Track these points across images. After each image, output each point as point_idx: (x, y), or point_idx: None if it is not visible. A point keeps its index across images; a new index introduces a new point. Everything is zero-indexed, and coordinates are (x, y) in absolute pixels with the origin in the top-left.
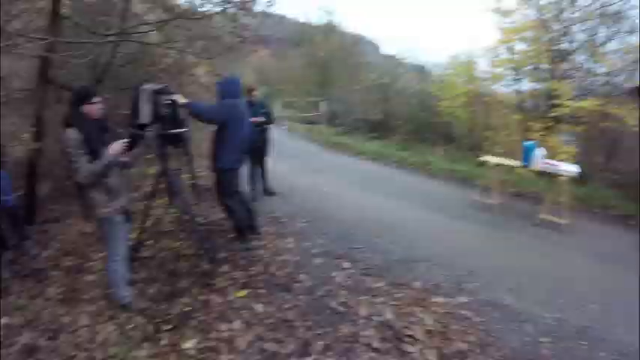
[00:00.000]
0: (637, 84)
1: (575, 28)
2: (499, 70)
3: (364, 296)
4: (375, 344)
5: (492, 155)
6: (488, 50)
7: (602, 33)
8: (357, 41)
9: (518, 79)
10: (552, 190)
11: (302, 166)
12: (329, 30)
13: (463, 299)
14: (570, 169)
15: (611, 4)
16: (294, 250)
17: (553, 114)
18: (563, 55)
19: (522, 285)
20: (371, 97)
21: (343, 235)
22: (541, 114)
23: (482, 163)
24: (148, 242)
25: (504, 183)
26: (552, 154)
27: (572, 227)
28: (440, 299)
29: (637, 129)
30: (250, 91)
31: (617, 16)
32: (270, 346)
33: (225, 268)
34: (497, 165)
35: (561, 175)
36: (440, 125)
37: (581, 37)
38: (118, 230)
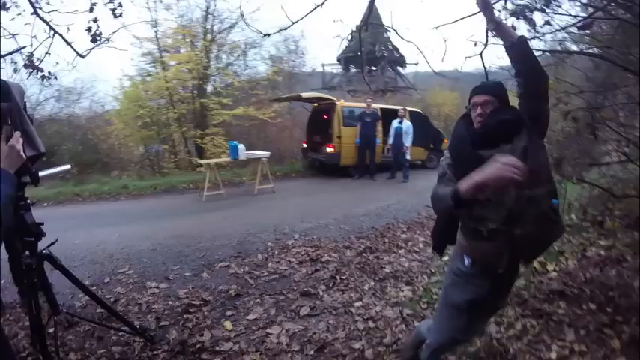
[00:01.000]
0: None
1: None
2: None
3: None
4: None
5: (208, 158)
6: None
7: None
8: None
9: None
10: (255, 170)
11: None
12: None
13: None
14: (263, 153)
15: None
16: None
17: (214, 122)
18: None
19: (304, 216)
20: None
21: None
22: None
23: (201, 165)
24: None
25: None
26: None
27: (278, 188)
28: (296, 238)
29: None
30: None
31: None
32: None
33: None
34: (216, 164)
35: (260, 158)
36: (107, 151)
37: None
38: None
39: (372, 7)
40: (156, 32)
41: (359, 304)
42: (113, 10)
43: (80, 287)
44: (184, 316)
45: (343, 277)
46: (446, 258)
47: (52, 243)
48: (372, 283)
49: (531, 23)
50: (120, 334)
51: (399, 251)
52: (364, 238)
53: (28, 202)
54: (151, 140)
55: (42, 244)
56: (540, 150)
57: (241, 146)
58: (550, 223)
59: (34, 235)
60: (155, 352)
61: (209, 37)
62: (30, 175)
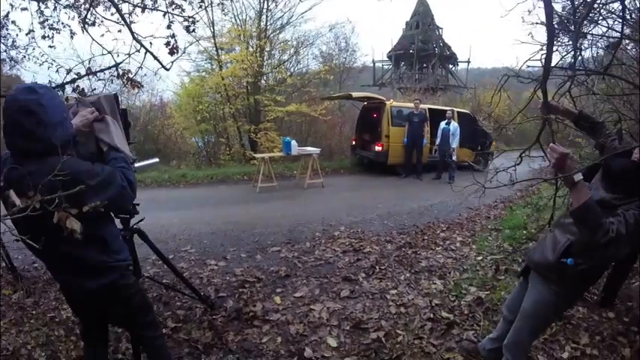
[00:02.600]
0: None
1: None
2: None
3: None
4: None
5: (261, 152)
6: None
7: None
8: None
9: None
10: (306, 165)
11: None
12: None
13: (343, 228)
14: (314, 149)
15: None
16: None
17: (268, 117)
18: (259, 75)
19: (351, 210)
20: None
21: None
22: (252, 120)
23: (254, 158)
24: None
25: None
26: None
27: (327, 183)
28: (342, 230)
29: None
30: None
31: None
32: None
33: None
34: (269, 158)
35: (311, 154)
36: (165, 142)
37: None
38: None
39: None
40: (212, 32)
41: (394, 291)
42: (187, 27)
43: (161, 257)
44: (240, 289)
45: (382, 268)
46: (480, 258)
47: (140, 220)
48: (408, 275)
49: (572, 37)
50: (183, 300)
51: (437, 248)
52: (405, 234)
53: None
54: (207, 133)
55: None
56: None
57: (294, 142)
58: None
59: (128, 213)
60: (214, 317)
61: (262, 36)
62: None
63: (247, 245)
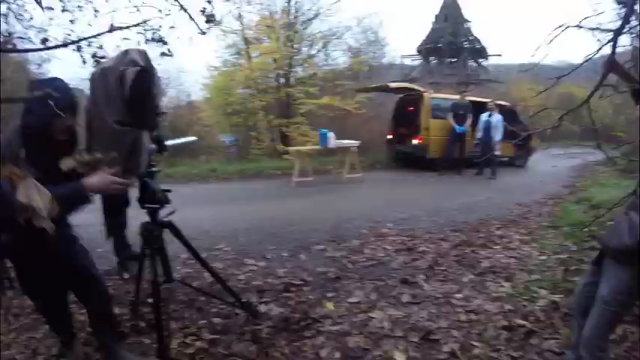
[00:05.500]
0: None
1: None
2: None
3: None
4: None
5: (293, 146)
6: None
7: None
8: None
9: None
10: (342, 159)
11: None
12: None
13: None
14: (353, 142)
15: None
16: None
17: (300, 111)
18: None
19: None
20: None
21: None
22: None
23: (286, 152)
24: None
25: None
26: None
27: (364, 178)
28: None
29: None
30: None
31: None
32: None
33: None
34: (305, 152)
35: (350, 147)
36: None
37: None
38: None
39: None
40: (242, 25)
41: (459, 295)
42: None
43: (196, 257)
44: (285, 294)
45: (442, 269)
46: (544, 257)
47: (171, 212)
48: (471, 277)
49: None
50: (220, 306)
51: (495, 247)
52: (458, 231)
53: (154, 169)
54: (238, 127)
55: None
56: None
57: (331, 134)
58: None
59: (158, 203)
60: (258, 327)
61: (291, 28)
62: (158, 143)
63: (288, 243)
